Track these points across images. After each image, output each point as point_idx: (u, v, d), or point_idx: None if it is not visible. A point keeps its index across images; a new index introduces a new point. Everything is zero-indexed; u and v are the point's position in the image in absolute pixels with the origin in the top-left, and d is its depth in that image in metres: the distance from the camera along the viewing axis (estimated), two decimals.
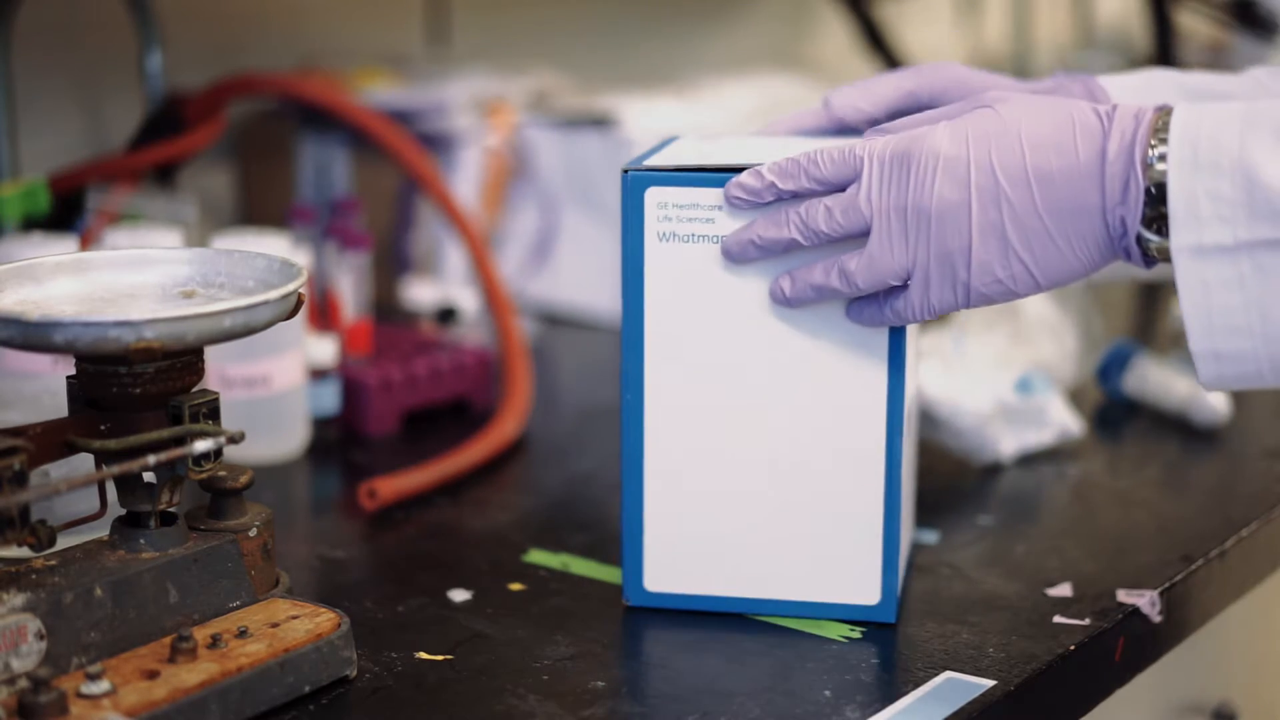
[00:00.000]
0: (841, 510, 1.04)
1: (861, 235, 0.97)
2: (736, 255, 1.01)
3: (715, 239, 1.01)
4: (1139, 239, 0.93)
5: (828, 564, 1.05)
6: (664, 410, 1.04)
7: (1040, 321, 1.46)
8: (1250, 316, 0.91)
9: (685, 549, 1.06)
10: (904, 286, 0.97)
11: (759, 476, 1.04)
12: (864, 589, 1.04)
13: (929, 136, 0.95)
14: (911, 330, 1.05)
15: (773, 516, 1.04)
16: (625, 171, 1.02)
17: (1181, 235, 0.91)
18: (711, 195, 1.01)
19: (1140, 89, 1.09)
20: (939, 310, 0.97)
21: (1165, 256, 0.93)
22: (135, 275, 0.98)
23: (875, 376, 1.02)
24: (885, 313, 0.99)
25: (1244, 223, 0.90)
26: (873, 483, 1.03)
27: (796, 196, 0.99)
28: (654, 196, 1.02)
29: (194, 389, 0.93)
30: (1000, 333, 1.45)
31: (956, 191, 0.94)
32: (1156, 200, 0.92)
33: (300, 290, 0.94)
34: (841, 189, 0.98)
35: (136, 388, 0.90)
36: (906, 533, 1.10)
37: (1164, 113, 0.93)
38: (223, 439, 0.91)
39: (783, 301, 1.01)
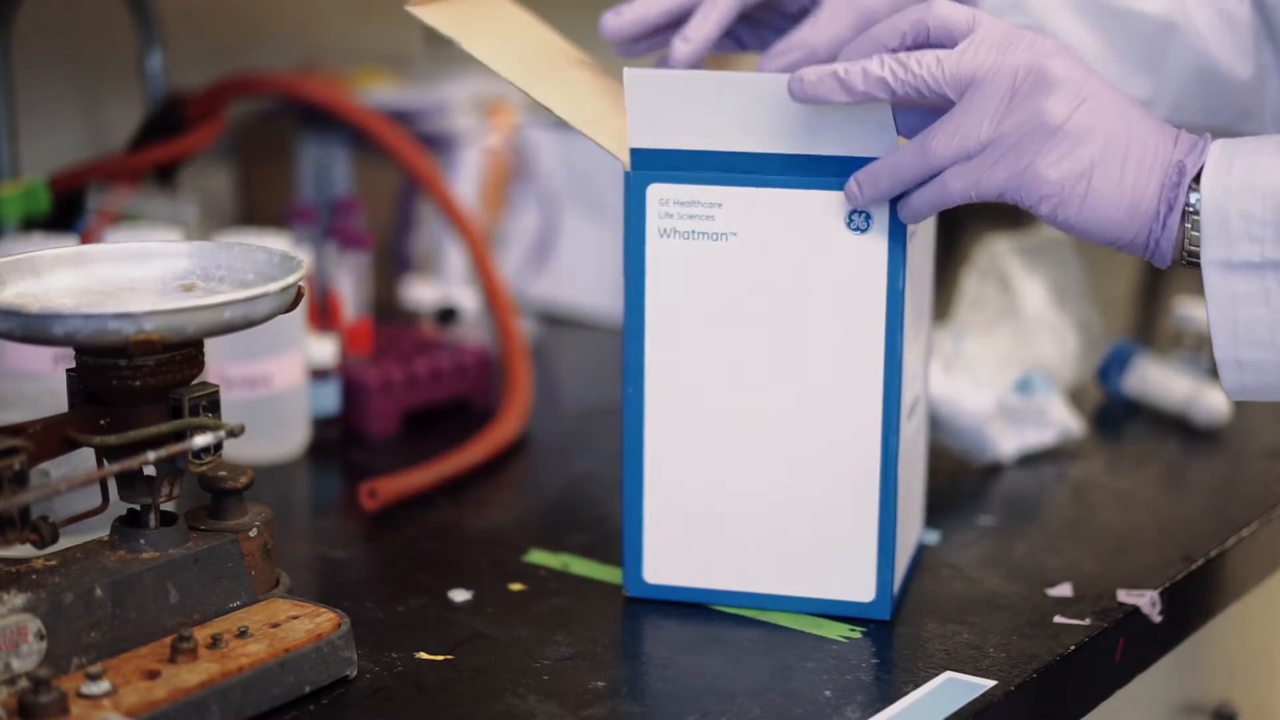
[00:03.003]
0: (838, 507, 1.04)
1: (950, 102, 0.96)
2: (810, 87, 0.97)
3: (716, 235, 1.02)
4: (1184, 216, 0.95)
5: (824, 560, 1.05)
6: (664, 404, 1.05)
7: (1041, 322, 1.46)
8: (1274, 330, 0.94)
9: (684, 542, 1.06)
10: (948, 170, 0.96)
11: (757, 471, 1.05)
12: (859, 586, 1.05)
13: (1043, 36, 0.96)
14: (913, 332, 1.06)
15: (771, 511, 1.05)
16: (628, 169, 1.03)
17: (1213, 250, 0.94)
18: (712, 193, 1.02)
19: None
20: (982, 194, 0.96)
21: (1194, 262, 0.96)
22: (135, 269, 0.98)
23: (872, 375, 1.02)
24: (932, 189, 0.97)
25: (1271, 242, 0.93)
26: (869, 480, 1.04)
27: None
28: (656, 193, 1.03)
29: (194, 382, 0.93)
30: (1001, 333, 1.45)
31: (1069, 71, 0.94)
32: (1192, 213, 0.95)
33: (300, 283, 0.94)
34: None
35: (136, 380, 0.90)
36: (908, 532, 1.11)
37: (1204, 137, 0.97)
38: (223, 432, 0.91)
39: (800, 94, 0.97)
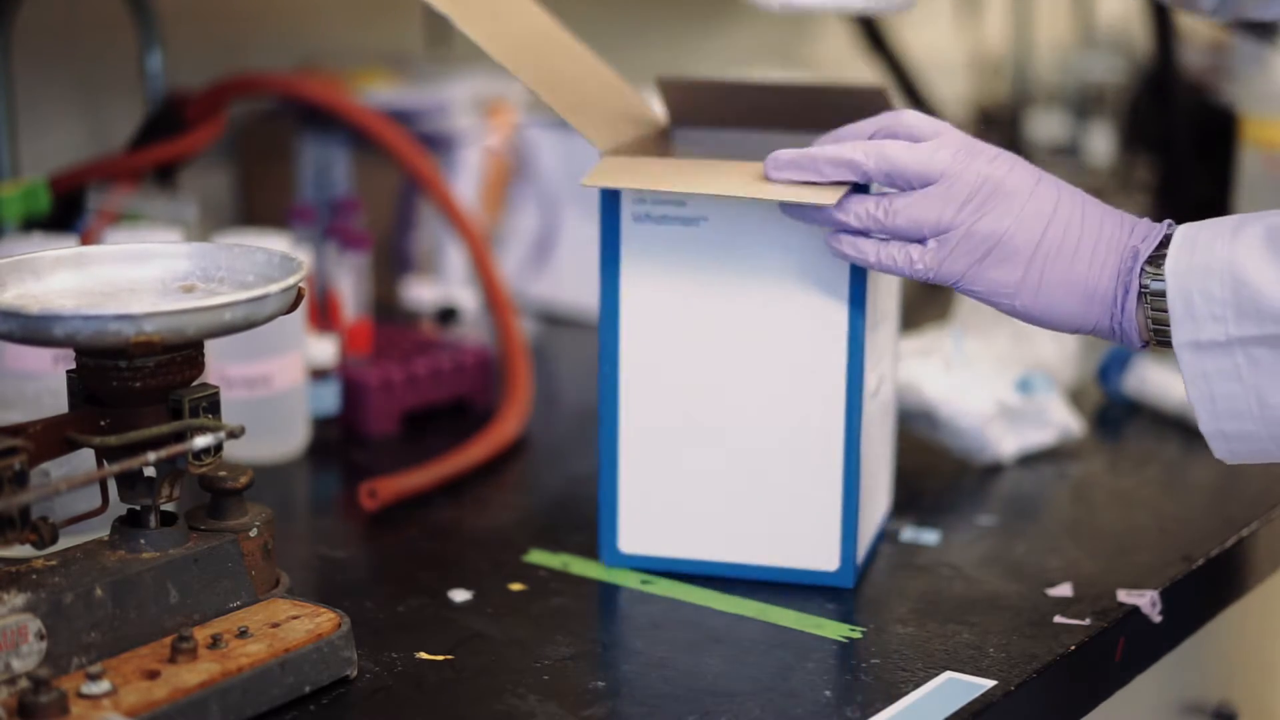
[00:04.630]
0: (804, 480, 1.09)
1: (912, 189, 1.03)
2: (782, 168, 1.04)
3: (687, 220, 1.07)
4: (1142, 297, 1.00)
5: (791, 530, 1.10)
6: (638, 382, 1.10)
7: None
8: (1249, 402, 0.98)
9: (658, 514, 1.11)
10: (920, 242, 1.02)
11: (727, 446, 1.10)
12: (824, 555, 1.10)
13: (1003, 153, 1.04)
14: (877, 314, 1.10)
15: (740, 484, 1.10)
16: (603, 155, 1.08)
17: (1181, 332, 0.99)
18: None
19: None
20: (940, 279, 1.02)
21: (1165, 342, 1.01)
22: (135, 270, 0.98)
23: (836, 354, 1.07)
24: (891, 249, 1.03)
25: (1233, 320, 0.97)
26: (833, 455, 1.09)
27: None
28: None
29: (194, 383, 0.93)
30: (1002, 333, 1.45)
31: (1022, 181, 1.01)
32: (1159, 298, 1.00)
33: (300, 284, 0.94)
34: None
35: (136, 382, 0.90)
36: (873, 507, 1.15)
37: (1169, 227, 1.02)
38: (223, 433, 0.91)
39: (774, 173, 1.03)
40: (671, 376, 1.09)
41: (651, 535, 1.12)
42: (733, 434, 1.09)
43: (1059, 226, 1.01)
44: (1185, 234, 0.99)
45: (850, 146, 1.03)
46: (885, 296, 1.14)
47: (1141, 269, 0.99)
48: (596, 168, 1.07)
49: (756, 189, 1.03)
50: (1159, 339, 1.00)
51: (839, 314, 1.07)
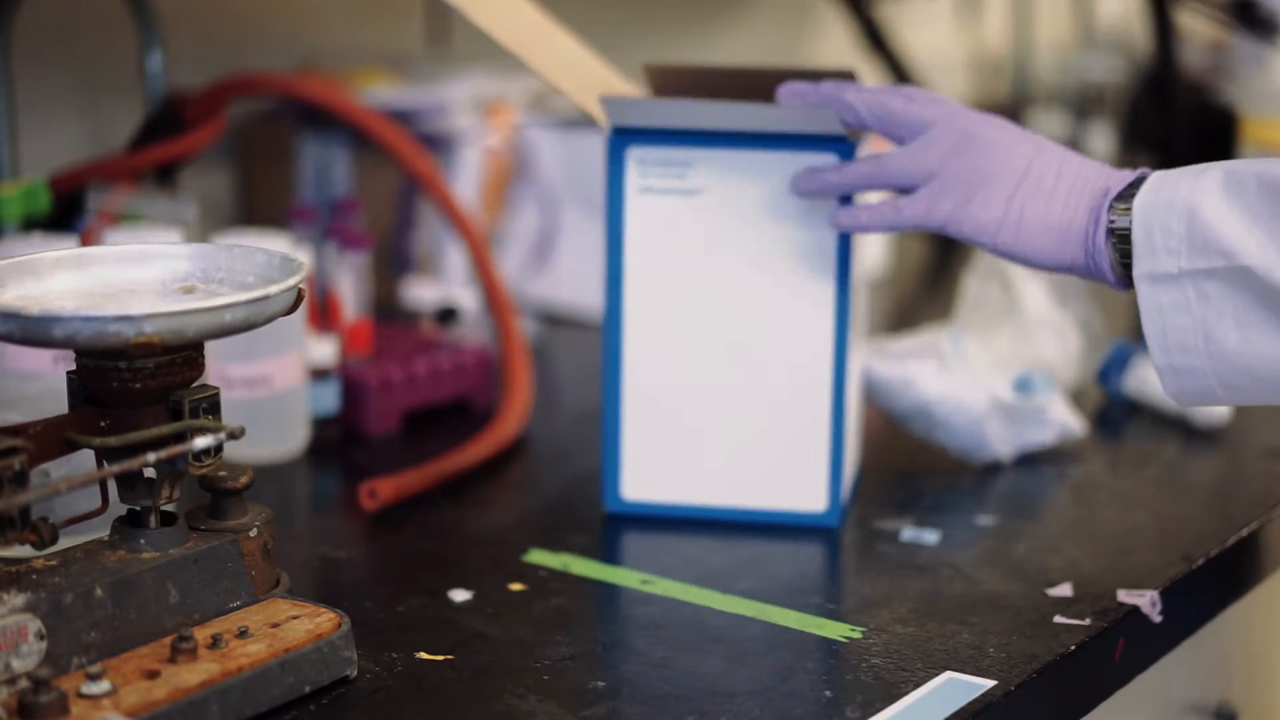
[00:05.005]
0: (795, 429, 1.19)
1: (901, 141, 1.12)
2: (790, 95, 1.16)
3: (688, 191, 1.17)
4: (1110, 235, 1.07)
5: (782, 476, 1.20)
6: (640, 341, 1.19)
7: (1042, 322, 1.46)
8: (1197, 337, 1.03)
9: (658, 462, 1.21)
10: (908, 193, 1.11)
11: (724, 399, 1.20)
12: (813, 498, 1.20)
13: (990, 115, 1.13)
14: (856, 285, 1.20)
15: (735, 434, 1.20)
16: (610, 133, 1.17)
17: (1141, 265, 1.04)
18: (684, 154, 1.17)
19: None
20: (929, 222, 1.10)
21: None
22: (135, 270, 0.98)
23: (825, 311, 1.17)
24: (884, 209, 1.12)
25: (1185, 254, 1.02)
26: (821, 406, 1.19)
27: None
28: (635, 155, 1.17)
29: (194, 384, 0.93)
30: (1002, 333, 1.45)
31: (1005, 135, 1.10)
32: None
33: (300, 285, 0.93)
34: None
35: (137, 383, 0.90)
36: (851, 458, 1.25)
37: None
38: (223, 434, 0.91)
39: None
40: (672, 335, 1.19)
41: (652, 482, 1.21)
42: (729, 388, 1.19)
43: (1038, 169, 1.08)
44: (1157, 176, 1.06)
45: (853, 92, 1.12)
46: (859, 266, 1.23)
47: (1110, 205, 1.06)
48: (609, 109, 1.16)
49: (764, 114, 1.14)
50: (1126, 275, 1.06)
51: (827, 278, 1.17)
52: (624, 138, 1.17)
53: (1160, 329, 1.04)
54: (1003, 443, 1.33)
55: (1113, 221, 1.06)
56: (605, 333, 1.20)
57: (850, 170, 1.13)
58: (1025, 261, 1.09)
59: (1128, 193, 1.06)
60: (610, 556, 1.15)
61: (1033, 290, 1.48)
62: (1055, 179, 1.08)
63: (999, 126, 1.10)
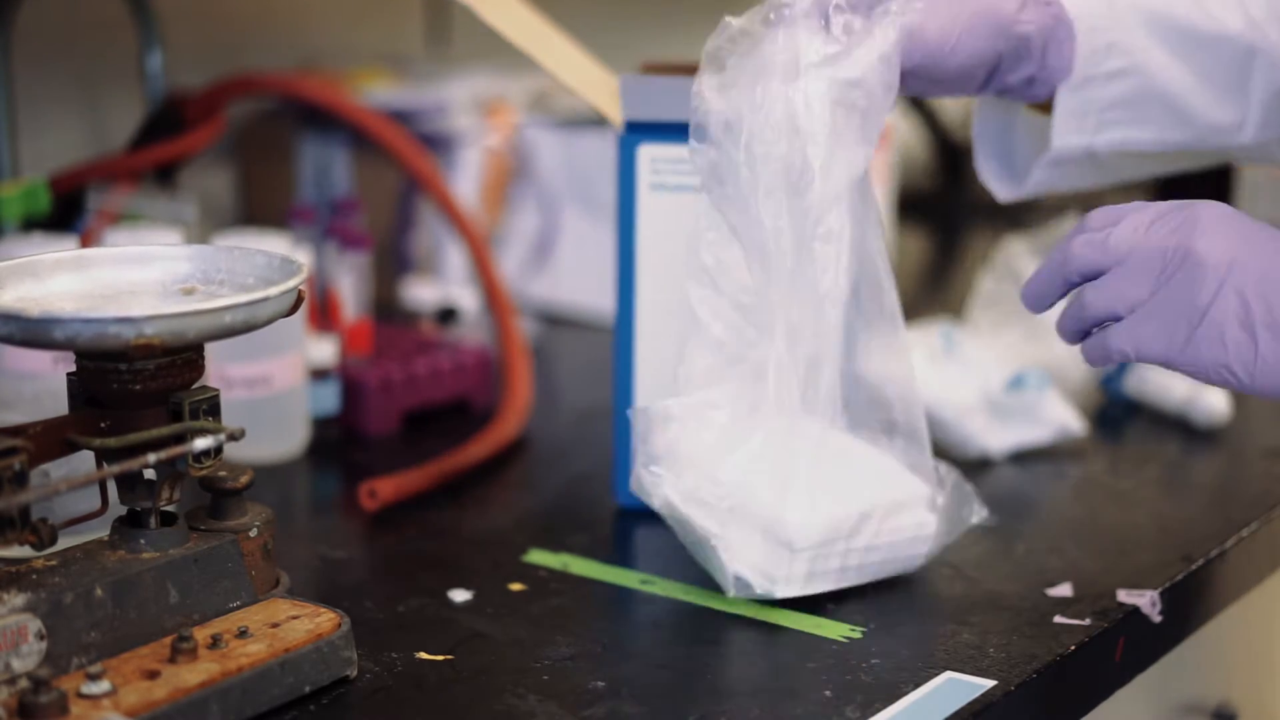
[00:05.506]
0: None
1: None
2: (1027, 302, 1.05)
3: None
4: None
5: None
6: (651, 334, 1.20)
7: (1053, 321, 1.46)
8: None
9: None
10: (1116, 320, 0.98)
11: None
12: None
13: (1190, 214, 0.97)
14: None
15: None
16: (621, 131, 1.18)
17: None
18: None
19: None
20: (1142, 353, 0.97)
21: None
22: (135, 272, 0.98)
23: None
24: (1093, 343, 1.00)
25: None
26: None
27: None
28: (647, 153, 1.18)
29: (194, 385, 0.93)
30: (1015, 331, 1.45)
31: (1215, 249, 0.95)
32: None
33: (300, 287, 0.94)
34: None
35: (137, 384, 0.90)
36: None
37: None
38: (223, 436, 0.91)
39: (1027, 299, 1.04)
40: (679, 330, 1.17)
41: None
42: None
43: (1264, 300, 0.94)
44: None
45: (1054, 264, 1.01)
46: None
47: None
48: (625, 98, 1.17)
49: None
50: None
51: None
52: (635, 135, 1.18)
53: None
54: (992, 439, 1.33)
55: None
56: (617, 327, 1.21)
57: (1063, 310, 1.02)
58: (1264, 397, 0.97)
59: None
60: (610, 556, 1.15)
61: None
62: None
63: (1204, 234, 0.95)
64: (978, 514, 1.14)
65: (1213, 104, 1.15)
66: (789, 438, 1.06)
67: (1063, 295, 1.02)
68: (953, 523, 1.12)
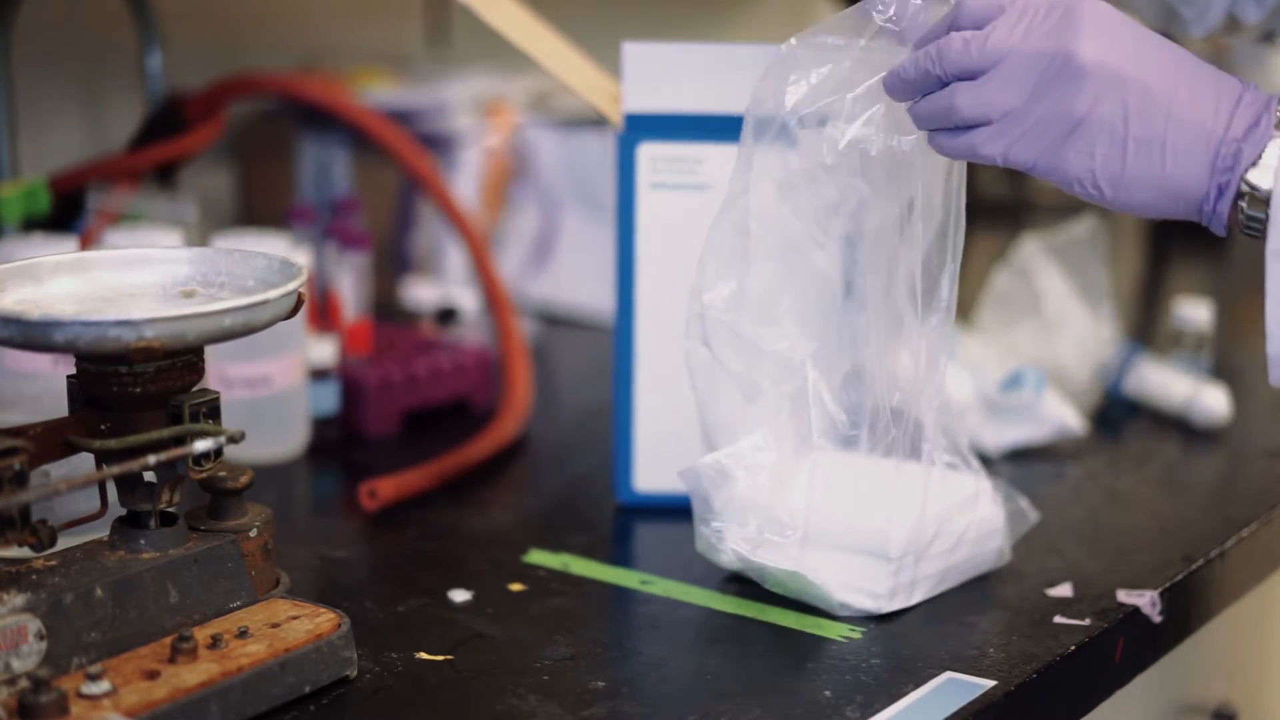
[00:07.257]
0: None
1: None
2: (889, 88, 1.01)
3: (699, 186, 1.18)
4: (1238, 195, 0.93)
5: None
6: (651, 332, 1.21)
7: (1063, 321, 1.46)
8: None
9: (668, 454, 1.20)
10: (987, 124, 0.96)
11: None
12: None
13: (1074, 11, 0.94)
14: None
15: None
16: (621, 131, 1.18)
17: (1275, 239, 0.92)
18: (694, 150, 1.18)
19: None
20: (1010, 159, 0.96)
21: (1253, 235, 0.94)
22: (135, 275, 0.98)
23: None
24: (959, 141, 0.98)
25: None
26: None
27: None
28: (646, 152, 1.19)
29: (194, 388, 0.93)
30: (1025, 329, 1.45)
31: (1099, 54, 0.93)
32: (1257, 200, 0.93)
33: (300, 289, 0.94)
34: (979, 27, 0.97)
35: (137, 387, 0.90)
36: None
37: None
38: (223, 438, 0.91)
39: (892, 88, 1.00)
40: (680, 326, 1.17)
41: (664, 473, 1.20)
42: None
43: (1140, 116, 0.93)
44: None
45: (911, 64, 0.99)
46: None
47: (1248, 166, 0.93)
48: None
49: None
50: (1249, 232, 0.94)
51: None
52: (635, 133, 1.18)
53: None
54: (989, 438, 1.33)
55: (1247, 186, 0.93)
56: (617, 325, 1.21)
57: (926, 109, 0.99)
58: (1126, 212, 0.97)
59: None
60: (610, 556, 1.15)
61: (1058, 291, 1.48)
62: (1164, 124, 0.93)
63: (1088, 35, 0.93)
64: (1031, 512, 1.15)
65: None
66: (840, 458, 1.07)
67: (933, 91, 0.98)
68: (1015, 523, 1.13)
